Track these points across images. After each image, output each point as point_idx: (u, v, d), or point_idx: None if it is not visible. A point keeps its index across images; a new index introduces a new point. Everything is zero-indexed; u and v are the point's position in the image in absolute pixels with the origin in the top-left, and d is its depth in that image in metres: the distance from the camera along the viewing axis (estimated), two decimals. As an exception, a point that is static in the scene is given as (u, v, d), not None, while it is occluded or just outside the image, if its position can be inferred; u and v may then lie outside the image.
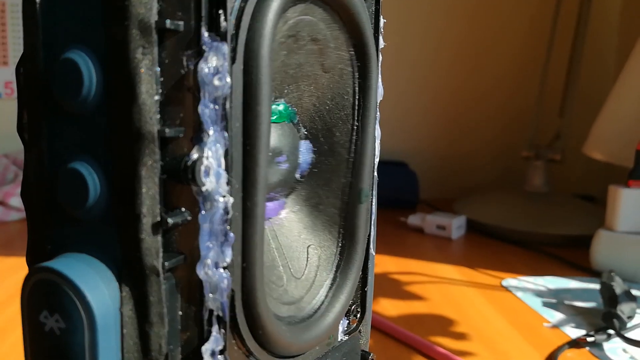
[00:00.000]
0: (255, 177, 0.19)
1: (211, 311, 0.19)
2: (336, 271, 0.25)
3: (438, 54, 0.97)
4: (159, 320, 0.18)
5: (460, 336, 0.45)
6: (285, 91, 0.23)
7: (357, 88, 0.24)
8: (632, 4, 0.94)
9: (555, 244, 0.71)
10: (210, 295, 0.19)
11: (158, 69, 0.18)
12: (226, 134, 0.18)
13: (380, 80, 0.26)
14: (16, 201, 0.75)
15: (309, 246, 0.25)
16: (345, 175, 0.25)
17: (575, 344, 0.44)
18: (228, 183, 0.18)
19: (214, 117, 0.18)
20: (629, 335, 0.45)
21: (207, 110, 0.18)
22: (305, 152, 0.25)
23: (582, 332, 0.46)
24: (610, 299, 0.47)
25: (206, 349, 0.19)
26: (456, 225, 0.74)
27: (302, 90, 0.24)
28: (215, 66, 0.17)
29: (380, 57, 0.26)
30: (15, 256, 0.61)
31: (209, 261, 0.18)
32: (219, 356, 0.19)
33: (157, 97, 0.18)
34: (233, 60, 0.18)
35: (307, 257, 0.25)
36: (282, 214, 0.25)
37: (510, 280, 0.58)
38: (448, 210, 0.81)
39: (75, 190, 0.18)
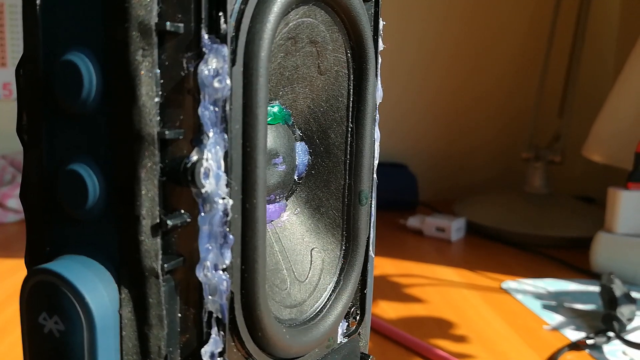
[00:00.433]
0: (254, 179, 0.19)
1: (210, 313, 0.19)
2: (340, 274, 0.25)
3: (437, 55, 0.97)
4: (158, 322, 0.18)
5: (460, 339, 0.45)
6: (280, 93, 0.23)
7: (351, 90, 0.24)
8: (632, 4, 0.94)
9: (554, 246, 0.71)
10: (210, 297, 0.18)
11: (158, 71, 0.17)
12: (226, 136, 0.18)
13: (379, 82, 0.26)
14: (14, 203, 0.75)
15: (312, 249, 0.25)
16: (343, 177, 0.25)
17: (575, 346, 0.44)
18: (227, 185, 0.18)
19: (213, 119, 0.18)
20: (628, 337, 0.45)
21: (207, 112, 0.18)
22: (301, 153, 0.25)
23: (582, 334, 0.46)
24: (610, 301, 0.47)
25: (205, 351, 0.19)
26: (455, 227, 0.74)
27: (297, 92, 0.24)
28: (215, 68, 0.17)
29: (380, 60, 0.26)
30: (14, 258, 0.61)
31: (208, 263, 0.18)
32: (218, 358, 0.19)
33: (157, 99, 0.18)
34: (233, 62, 0.18)
35: (311, 261, 0.25)
36: (284, 216, 0.25)
37: (510, 283, 0.58)
38: (447, 212, 0.81)
39: (75, 191, 0.18)
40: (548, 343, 0.45)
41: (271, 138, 0.23)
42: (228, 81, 0.18)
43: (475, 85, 0.98)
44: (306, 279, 0.24)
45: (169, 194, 0.18)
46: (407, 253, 0.68)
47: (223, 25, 0.17)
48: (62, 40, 0.18)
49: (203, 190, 0.18)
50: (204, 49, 0.17)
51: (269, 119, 0.23)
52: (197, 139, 0.18)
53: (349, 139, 0.25)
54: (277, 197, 0.24)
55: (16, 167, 0.83)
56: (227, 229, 0.18)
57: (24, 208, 0.20)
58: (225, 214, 0.18)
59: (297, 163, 0.25)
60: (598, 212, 0.71)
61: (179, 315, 0.19)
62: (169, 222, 0.18)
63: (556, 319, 0.49)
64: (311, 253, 0.25)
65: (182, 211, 0.18)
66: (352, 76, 0.24)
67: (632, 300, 0.47)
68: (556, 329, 0.47)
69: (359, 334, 0.27)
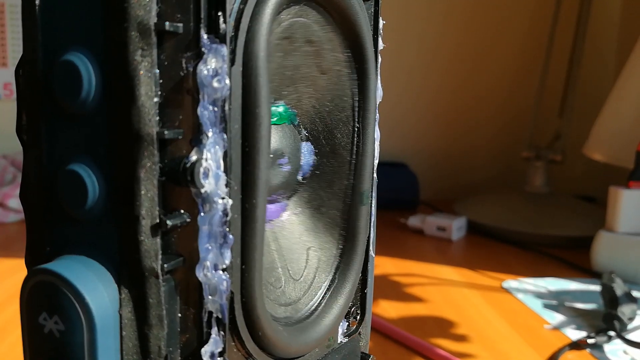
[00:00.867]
0: (254, 179, 0.19)
1: (210, 313, 0.19)
2: (335, 273, 0.25)
3: (437, 54, 0.97)
4: (158, 322, 0.18)
5: (461, 338, 0.45)
6: (284, 93, 0.23)
7: (355, 89, 0.24)
8: (633, 3, 0.94)
9: (555, 245, 0.71)
10: (210, 297, 0.18)
11: (157, 70, 0.17)
12: (225, 136, 0.18)
13: (379, 81, 0.26)
14: (15, 203, 0.75)
15: (309, 248, 0.25)
16: (347, 177, 0.25)
17: (576, 345, 0.44)
18: (227, 185, 0.18)
19: (213, 119, 0.18)
20: (629, 336, 0.45)
21: (206, 112, 0.18)
22: (306, 154, 0.25)
23: (583, 333, 0.46)
24: (611, 300, 0.47)
25: (205, 351, 0.19)
26: (456, 227, 0.74)
27: (301, 92, 0.24)
28: (215, 68, 0.17)
29: (380, 59, 0.26)
30: (14, 258, 0.61)
31: (208, 263, 0.18)
32: (219, 358, 0.19)
33: (156, 99, 0.17)
34: (232, 62, 0.18)
35: (307, 259, 0.25)
36: (284, 216, 0.25)
37: (511, 282, 0.58)
38: (448, 211, 0.81)
39: (74, 191, 0.18)
40: (549, 342, 0.45)
41: (277, 138, 0.23)
42: (227, 81, 0.18)
43: (475, 84, 0.98)
44: (301, 277, 0.24)
45: (169, 194, 0.18)
46: (407, 252, 0.68)
47: (222, 25, 0.17)
48: (61, 40, 0.18)
49: (202, 190, 0.18)
50: (203, 49, 0.17)
51: (275, 119, 0.23)
52: (196, 138, 0.18)
53: (355, 139, 0.25)
54: (279, 197, 0.24)
55: (17, 167, 0.83)
56: (227, 229, 0.18)
57: (23, 208, 0.20)
58: (225, 213, 0.18)
59: (301, 163, 0.25)
60: (599, 211, 0.71)
61: (179, 315, 0.19)
62: (169, 222, 0.18)
63: (557, 318, 0.49)
64: (307, 252, 0.25)
65: (182, 211, 0.18)
66: (354, 75, 0.24)
67: (633, 300, 0.47)
68: (557, 328, 0.47)
69: (359, 333, 0.27)
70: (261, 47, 0.19)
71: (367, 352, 0.28)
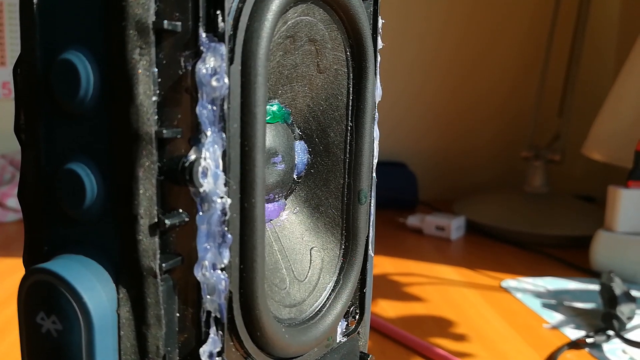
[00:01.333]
0: (253, 178, 0.19)
1: (209, 313, 0.19)
2: (339, 274, 0.25)
3: (437, 54, 0.97)
4: (156, 322, 0.18)
5: (460, 337, 0.45)
6: (280, 92, 0.23)
7: (351, 88, 0.24)
8: (632, 3, 0.94)
9: (554, 245, 0.71)
10: (208, 296, 0.18)
11: (155, 69, 0.17)
12: (224, 135, 0.18)
13: (379, 81, 0.26)
14: (13, 202, 0.75)
15: (312, 248, 0.25)
16: (343, 176, 0.25)
17: (575, 345, 0.44)
18: (226, 184, 0.18)
19: (211, 118, 0.18)
20: (628, 336, 0.45)
21: (204, 111, 0.18)
22: (300, 152, 0.25)
23: (582, 333, 0.46)
24: (610, 299, 0.47)
25: (204, 351, 0.19)
26: (455, 226, 0.74)
27: (297, 90, 0.24)
28: (213, 67, 0.17)
29: (379, 58, 0.26)
30: (13, 257, 0.61)
31: (206, 263, 0.18)
32: (217, 358, 0.19)
33: (154, 98, 0.17)
34: (231, 60, 0.18)
35: (311, 260, 0.25)
36: (283, 215, 0.25)
37: (510, 281, 0.58)
38: (447, 210, 0.81)
39: (72, 191, 0.18)
40: (548, 342, 0.45)
41: (270, 137, 0.23)
42: (226, 80, 0.18)
43: (475, 84, 0.98)
44: (305, 278, 0.24)
45: (167, 193, 0.18)
46: (406, 252, 0.68)
47: (221, 24, 0.17)
48: (59, 39, 0.18)
49: (201, 190, 0.18)
50: (201, 48, 0.17)
51: (268, 117, 0.23)
52: (195, 138, 0.18)
53: (348, 138, 0.25)
54: (276, 196, 0.24)
55: (16, 167, 0.83)
56: (226, 228, 0.18)
57: (21, 207, 0.20)
58: (224, 213, 0.18)
59: (296, 162, 0.25)
60: (598, 210, 0.71)
61: (177, 314, 0.19)
62: (167, 222, 0.18)
63: (556, 317, 0.49)
64: (310, 252, 0.25)
65: (180, 210, 0.18)
66: (351, 75, 0.24)
67: (632, 299, 0.47)
68: (556, 327, 0.47)
69: (358, 333, 0.27)
70: (261, 46, 0.18)
71: (366, 352, 0.28)
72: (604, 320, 0.46)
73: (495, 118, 0.99)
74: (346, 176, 0.25)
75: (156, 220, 0.18)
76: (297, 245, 0.25)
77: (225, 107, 0.18)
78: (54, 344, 0.18)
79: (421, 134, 0.99)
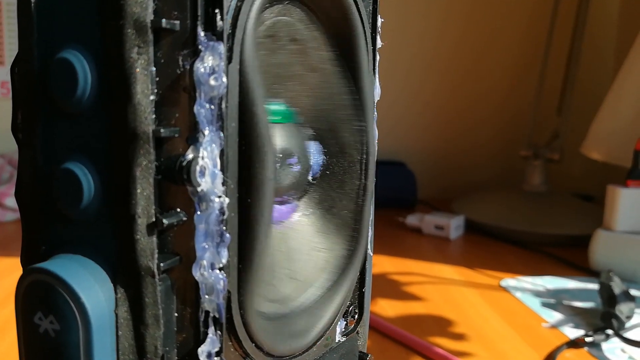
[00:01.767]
0: (251, 178, 0.19)
1: (207, 313, 0.19)
2: (340, 273, 0.25)
3: (436, 52, 0.97)
4: (154, 321, 0.18)
5: (459, 337, 0.45)
6: (278, 91, 0.23)
7: (353, 87, 0.24)
8: (631, 2, 0.94)
9: (553, 244, 0.71)
10: (206, 296, 0.18)
11: (153, 68, 0.17)
12: (222, 134, 0.18)
13: (377, 79, 0.26)
14: (12, 202, 0.75)
15: (318, 249, 0.25)
16: (359, 177, 0.25)
17: (574, 344, 0.44)
18: (224, 183, 0.18)
19: (209, 117, 0.18)
20: (627, 335, 0.45)
21: (202, 110, 0.17)
22: (315, 153, 0.25)
23: (581, 332, 0.46)
24: (609, 299, 0.47)
25: (202, 350, 0.19)
26: (454, 225, 0.74)
27: (295, 90, 0.23)
28: (211, 66, 0.17)
29: (378, 57, 0.26)
30: (11, 257, 0.61)
31: (204, 262, 0.18)
32: (215, 358, 0.19)
33: (152, 97, 0.17)
34: (229, 59, 0.18)
35: (314, 260, 0.24)
36: (295, 217, 0.25)
37: (509, 281, 0.58)
38: (446, 210, 0.81)
39: (70, 190, 0.18)
40: (547, 341, 0.45)
41: (283, 138, 0.23)
42: (224, 79, 0.17)
43: (474, 83, 0.98)
44: (306, 278, 0.24)
45: (165, 193, 0.18)
46: (405, 251, 0.68)
47: (219, 23, 0.17)
48: (57, 38, 0.18)
49: (199, 189, 0.18)
50: (200, 47, 0.17)
51: (279, 118, 0.23)
52: (192, 137, 0.18)
53: (361, 138, 0.24)
54: (290, 197, 0.24)
55: (14, 166, 0.83)
56: (224, 228, 0.18)
57: (19, 207, 0.20)
58: (222, 212, 0.18)
59: (311, 163, 0.24)
60: (597, 209, 0.71)
61: (176, 314, 0.19)
62: (165, 221, 0.18)
63: (555, 316, 0.49)
64: (316, 253, 0.24)
65: (178, 210, 0.18)
66: (347, 74, 0.24)
67: (631, 298, 0.47)
68: (555, 326, 0.47)
69: (357, 332, 0.27)
70: (247, 44, 0.18)
71: (365, 351, 0.28)
72: (603, 319, 0.46)
73: (494, 117, 0.99)
74: (362, 177, 0.25)
75: (154, 219, 0.18)
76: (304, 247, 0.24)
77: (223, 106, 0.18)
78: (52, 344, 0.18)
79: (420, 133, 0.99)
